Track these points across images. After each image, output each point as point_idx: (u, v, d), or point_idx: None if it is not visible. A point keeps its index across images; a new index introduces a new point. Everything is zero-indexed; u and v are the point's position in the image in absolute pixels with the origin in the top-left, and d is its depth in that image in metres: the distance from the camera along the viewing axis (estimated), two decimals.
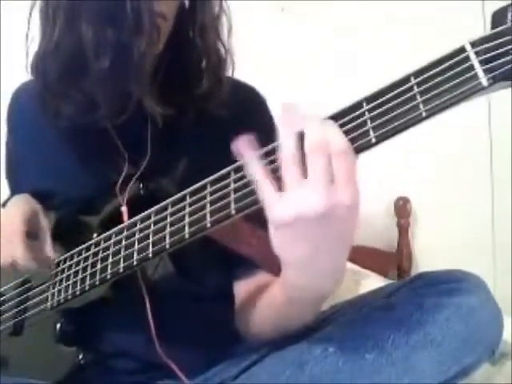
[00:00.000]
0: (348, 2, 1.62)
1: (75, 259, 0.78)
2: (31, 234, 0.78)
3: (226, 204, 0.60)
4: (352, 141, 0.53)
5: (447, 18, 1.53)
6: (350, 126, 0.53)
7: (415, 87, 0.51)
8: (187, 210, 0.64)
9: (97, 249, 0.75)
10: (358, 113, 0.53)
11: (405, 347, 0.66)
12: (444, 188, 1.63)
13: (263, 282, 0.80)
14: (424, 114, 0.50)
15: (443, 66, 0.50)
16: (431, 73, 0.50)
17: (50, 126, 0.82)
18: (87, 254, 0.76)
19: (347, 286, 1.34)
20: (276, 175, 0.55)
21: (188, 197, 0.65)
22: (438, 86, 0.50)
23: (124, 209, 0.77)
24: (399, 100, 0.51)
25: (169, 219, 0.66)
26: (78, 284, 0.76)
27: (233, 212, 0.59)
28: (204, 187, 0.63)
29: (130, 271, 0.71)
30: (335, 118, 0.54)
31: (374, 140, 0.52)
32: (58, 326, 0.79)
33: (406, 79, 0.51)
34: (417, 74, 0.51)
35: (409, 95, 0.51)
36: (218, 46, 0.82)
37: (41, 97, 0.80)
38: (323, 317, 0.78)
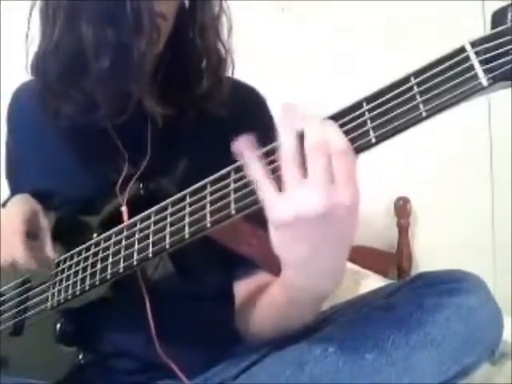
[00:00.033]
0: (348, 2, 1.62)
1: (75, 259, 0.78)
2: (31, 234, 0.78)
3: (226, 204, 0.60)
4: (352, 141, 0.53)
5: (447, 18, 1.53)
6: (350, 125, 0.53)
7: (415, 87, 0.51)
8: (187, 210, 0.64)
9: (97, 249, 0.75)
10: (358, 113, 0.53)
11: (405, 347, 0.66)
12: (444, 188, 1.63)
13: (263, 281, 0.80)
14: (424, 114, 0.50)
15: (443, 66, 0.50)
16: (431, 73, 0.50)
17: (50, 125, 0.82)
18: (87, 254, 0.76)
19: (347, 286, 1.34)
20: (276, 175, 0.55)
21: (188, 197, 0.65)
22: (438, 86, 0.50)
23: (124, 209, 0.77)
24: (399, 100, 0.51)
25: (169, 219, 0.66)
26: (78, 284, 0.76)
27: (233, 212, 0.59)
28: (204, 187, 0.63)
29: (129, 271, 0.71)
30: (335, 117, 0.54)
31: (373, 140, 0.52)
32: (58, 326, 0.79)
33: (405, 79, 0.51)
34: (417, 74, 0.51)
35: (409, 95, 0.51)
36: (218, 46, 0.82)
37: (41, 97, 0.80)
38: (323, 317, 0.78)
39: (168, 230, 0.66)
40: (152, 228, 0.68)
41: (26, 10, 0.76)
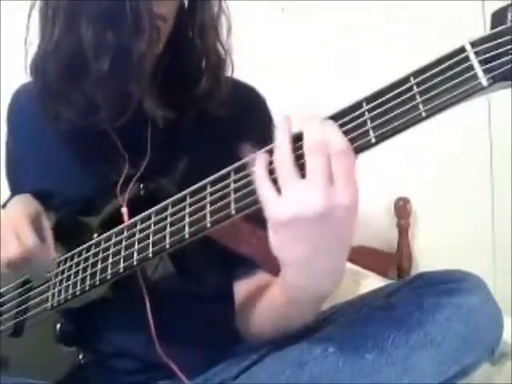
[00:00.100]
0: (348, 2, 1.62)
1: (75, 259, 0.78)
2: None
3: (226, 204, 0.60)
4: (352, 141, 0.53)
5: (447, 18, 1.53)
6: (349, 126, 0.53)
7: (415, 87, 0.51)
8: (187, 210, 0.64)
9: (97, 249, 0.75)
10: (357, 113, 0.53)
11: (405, 347, 0.66)
12: (444, 188, 1.63)
13: (263, 281, 0.80)
14: (424, 114, 0.50)
15: (443, 66, 0.50)
16: (431, 73, 0.50)
17: (50, 126, 0.82)
18: (87, 254, 0.76)
19: (347, 286, 1.34)
20: (276, 175, 0.55)
21: (188, 197, 0.65)
22: (438, 85, 0.50)
23: (124, 209, 0.77)
24: (399, 100, 0.51)
25: (169, 219, 0.66)
26: (79, 284, 0.76)
27: (233, 212, 0.59)
28: (204, 187, 0.63)
29: (130, 271, 0.71)
30: (335, 118, 0.54)
31: (373, 140, 0.52)
32: (58, 326, 0.79)
33: (405, 79, 0.52)
34: (416, 74, 0.51)
35: (408, 95, 0.51)
36: (218, 46, 0.82)
37: (41, 99, 0.80)
38: (323, 317, 0.78)
39: (168, 230, 0.66)
40: (152, 228, 0.68)
41: (25, 10, 0.76)
